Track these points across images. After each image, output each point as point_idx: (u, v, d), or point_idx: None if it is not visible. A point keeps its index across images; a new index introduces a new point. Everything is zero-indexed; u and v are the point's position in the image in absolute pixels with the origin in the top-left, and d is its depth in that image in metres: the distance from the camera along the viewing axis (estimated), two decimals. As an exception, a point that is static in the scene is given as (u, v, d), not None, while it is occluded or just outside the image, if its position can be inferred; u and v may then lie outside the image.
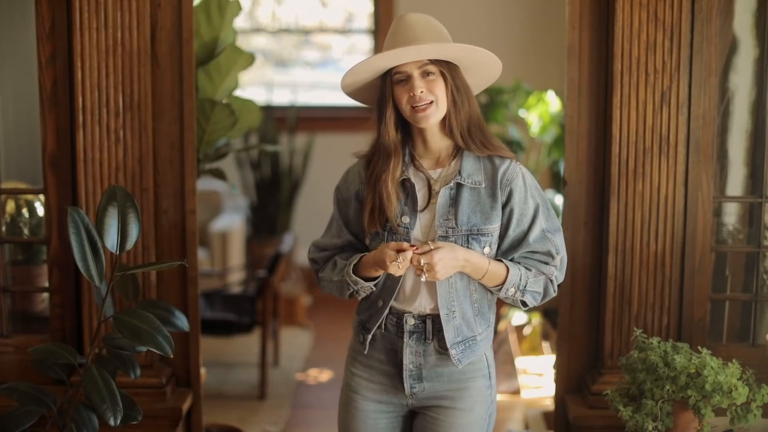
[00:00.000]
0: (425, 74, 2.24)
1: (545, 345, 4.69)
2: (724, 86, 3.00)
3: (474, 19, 6.26)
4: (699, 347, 2.55)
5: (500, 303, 2.45)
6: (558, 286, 2.36)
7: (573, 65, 2.91)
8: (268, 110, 6.19)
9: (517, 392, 4.49)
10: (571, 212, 2.97)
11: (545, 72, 5.97)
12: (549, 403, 3.95)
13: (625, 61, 2.80)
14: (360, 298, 2.37)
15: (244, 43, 6.83)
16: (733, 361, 2.45)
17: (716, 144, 2.92)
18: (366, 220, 2.29)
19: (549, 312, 4.29)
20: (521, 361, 4.66)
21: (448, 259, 2.19)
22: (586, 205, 2.96)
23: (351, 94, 2.37)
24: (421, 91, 2.22)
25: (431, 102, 2.23)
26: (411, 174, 2.29)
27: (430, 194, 2.29)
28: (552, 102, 4.69)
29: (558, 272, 2.33)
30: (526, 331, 4.89)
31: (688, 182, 2.85)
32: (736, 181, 3.06)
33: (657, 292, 2.88)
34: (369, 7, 6.88)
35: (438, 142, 2.31)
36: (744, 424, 2.41)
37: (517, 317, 4.87)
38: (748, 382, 2.47)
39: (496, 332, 4.92)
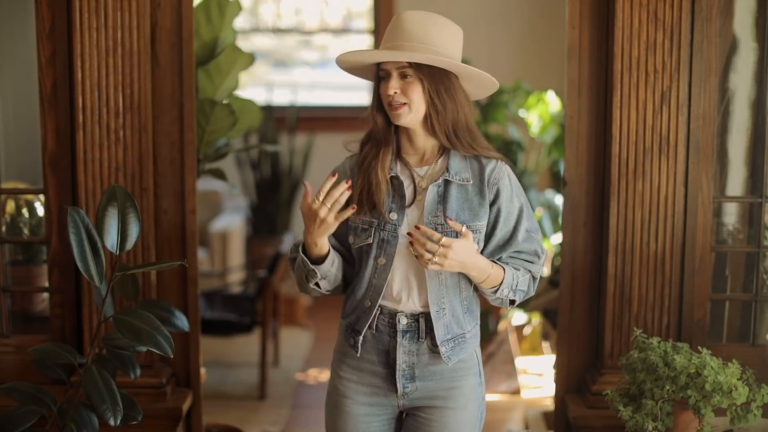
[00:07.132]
0: (403, 75, 2.22)
1: (545, 345, 4.69)
2: (724, 86, 3.00)
3: (474, 19, 6.26)
4: (699, 347, 2.55)
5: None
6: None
7: (573, 65, 2.91)
8: (268, 110, 6.19)
9: (517, 392, 4.49)
10: (571, 212, 2.97)
11: (545, 72, 5.96)
12: (549, 403, 3.95)
13: (625, 61, 2.80)
14: (320, 291, 2.30)
15: (244, 43, 6.83)
16: (733, 361, 2.45)
17: (716, 144, 2.93)
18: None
19: (549, 312, 4.29)
20: (521, 361, 4.66)
21: (463, 254, 2.17)
22: (586, 205, 2.97)
23: (348, 70, 2.36)
24: (395, 92, 2.21)
25: (404, 104, 2.22)
26: (398, 170, 2.29)
27: (416, 191, 2.28)
28: (552, 102, 4.69)
29: (541, 270, 2.37)
30: (526, 331, 4.89)
31: (688, 182, 2.85)
32: (736, 181, 3.06)
33: (657, 292, 2.88)
34: (369, 6, 6.88)
35: (422, 140, 2.30)
36: (744, 424, 2.41)
37: (517, 317, 4.87)
38: (748, 382, 2.47)
39: (496, 332, 4.92)
